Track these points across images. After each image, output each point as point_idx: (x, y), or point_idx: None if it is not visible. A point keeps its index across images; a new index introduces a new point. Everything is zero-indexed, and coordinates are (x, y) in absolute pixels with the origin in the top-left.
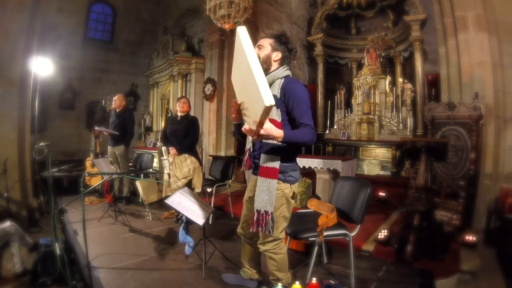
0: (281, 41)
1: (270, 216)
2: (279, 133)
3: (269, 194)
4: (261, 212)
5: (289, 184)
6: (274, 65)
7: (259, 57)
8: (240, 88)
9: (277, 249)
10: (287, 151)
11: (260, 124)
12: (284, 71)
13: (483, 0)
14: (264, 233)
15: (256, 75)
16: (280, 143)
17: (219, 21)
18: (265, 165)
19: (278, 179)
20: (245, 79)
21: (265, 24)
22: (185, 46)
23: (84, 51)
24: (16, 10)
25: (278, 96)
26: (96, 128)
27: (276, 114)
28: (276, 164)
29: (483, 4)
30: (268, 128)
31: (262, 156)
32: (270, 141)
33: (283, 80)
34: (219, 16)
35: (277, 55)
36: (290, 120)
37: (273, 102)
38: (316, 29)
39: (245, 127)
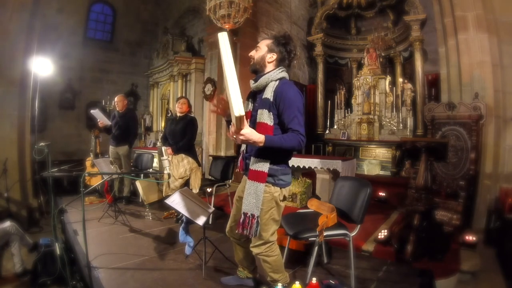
0: (279, 42)
1: (255, 220)
2: (259, 138)
3: (256, 198)
4: (247, 215)
5: (278, 188)
6: (269, 67)
7: (253, 59)
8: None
9: (269, 252)
10: (277, 155)
11: (238, 130)
12: (279, 73)
13: (483, 0)
14: (255, 237)
15: (229, 83)
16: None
17: (219, 21)
18: (254, 168)
19: (268, 182)
20: (226, 84)
21: (265, 24)
22: (185, 46)
23: (84, 51)
24: (16, 10)
25: (271, 99)
26: (92, 111)
27: (268, 118)
28: (265, 168)
29: (483, 4)
30: (247, 133)
31: (252, 159)
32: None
33: (277, 82)
34: (219, 16)
35: (271, 57)
36: (280, 124)
37: (242, 113)
38: (316, 29)
39: (230, 130)
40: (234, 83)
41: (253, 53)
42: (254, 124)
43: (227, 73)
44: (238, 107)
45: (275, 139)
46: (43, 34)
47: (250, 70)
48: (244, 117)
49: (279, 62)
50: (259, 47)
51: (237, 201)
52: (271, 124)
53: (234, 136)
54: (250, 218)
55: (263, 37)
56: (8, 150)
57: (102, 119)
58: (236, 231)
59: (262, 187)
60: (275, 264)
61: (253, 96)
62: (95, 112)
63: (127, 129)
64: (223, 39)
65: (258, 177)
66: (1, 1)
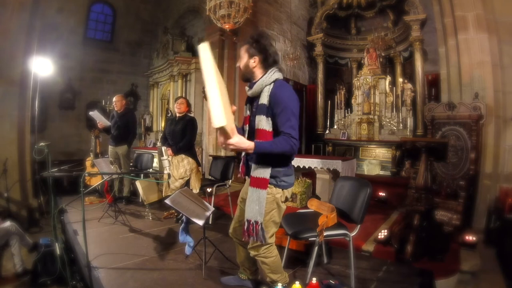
0: (251, 43)
1: (260, 226)
2: (249, 145)
3: (259, 204)
4: (251, 222)
5: (281, 189)
6: (258, 72)
7: (240, 69)
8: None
9: (267, 253)
10: (278, 160)
11: (225, 139)
12: (272, 75)
13: (483, 0)
14: (261, 242)
15: (209, 94)
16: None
17: (219, 21)
18: (255, 176)
19: (269, 183)
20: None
21: (265, 24)
22: (185, 46)
23: (84, 51)
24: (16, 10)
25: (267, 104)
26: (90, 113)
27: (266, 124)
28: (266, 174)
29: (483, 4)
30: (236, 142)
31: (253, 166)
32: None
33: (271, 85)
34: (219, 16)
35: (254, 61)
36: (274, 125)
37: (222, 123)
38: (316, 29)
39: (218, 140)
40: (214, 93)
41: (238, 63)
42: (253, 130)
43: (207, 84)
44: (218, 118)
45: (266, 145)
46: (43, 34)
47: (243, 80)
48: (225, 127)
49: (263, 63)
50: (240, 56)
51: (240, 203)
52: (269, 130)
53: (224, 145)
54: (254, 224)
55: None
56: (8, 150)
57: (101, 120)
58: (243, 239)
59: (264, 193)
60: (273, 265)
61: (251, 101)
62: (94, 114)
63: (126, 129)
64: (204, 50)
65: (260, 184)
66: (1, 1)
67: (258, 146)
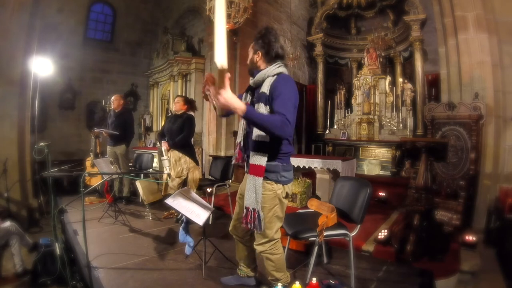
0: (257, 39)
1: (257, 214)
2: (240, 105)
3: (256, 192)
4: (249, 210)
5: (281, 185)
6: (261, 65)
7: (247, 65)
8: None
9: (273, 250)
10: (276, 149)
11: (218, 88)
12: (276, 69)
13: (483, 0)
14: (259, 234)
15: (216, 30)
16: (267, 139)
17: None
18: (252, 163)
19: (270, 180)
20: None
21: (265, 24)
22: (185, 46)
23: (84, 51)
24: (16, 10)
25: (267, 93)
26: (96, 130)
27: (264, 111)
28: (263, 162)
29: (483, 4)
30: (228, 96)
31: (251, 153)
32: (257, 138)
33: (274, 77)
34: None
35: (257, 56)
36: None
37: (224, 65)
38: (316, 29)
39: (211, 93)
40: (221, 33)
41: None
42: None
43: (216, 20)
44: (220, 56)
45: (257, 114)
46: (43, 34)
47: (249, 74)
48: (226, 74)
49: (265, 57)
50: (248, 51)
51: (239, 199)
52: None
53: (214, 101)
54: (252, 212)
55: None
56: (8, 150)
57: (105, 132)
58: (243, 225)
59: (260, 181)
60: (278, 263)
61: (252, 91)
62: (100, 130)
63: (124, 129)
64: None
65: (256, 171)
66: (1, 1)
67: (249, 111)
